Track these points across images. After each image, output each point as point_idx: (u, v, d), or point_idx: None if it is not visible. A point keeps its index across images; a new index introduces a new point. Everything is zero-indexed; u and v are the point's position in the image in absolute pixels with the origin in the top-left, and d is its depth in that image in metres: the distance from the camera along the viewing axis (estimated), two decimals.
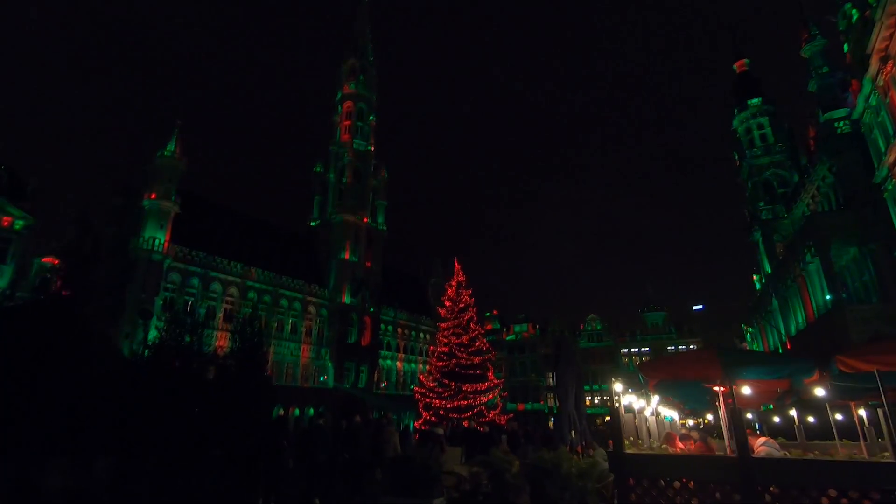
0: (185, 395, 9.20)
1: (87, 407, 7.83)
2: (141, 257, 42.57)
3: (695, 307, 78.57)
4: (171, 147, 46.11)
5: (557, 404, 7.82)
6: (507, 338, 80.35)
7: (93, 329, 11.07)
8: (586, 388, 76.93)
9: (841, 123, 23.87)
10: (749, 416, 10.48)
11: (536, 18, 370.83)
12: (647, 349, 72.02)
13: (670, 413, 10.51)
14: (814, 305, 26.22)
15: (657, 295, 76.53)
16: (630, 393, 8.29)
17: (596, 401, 74.13)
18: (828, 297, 23.73)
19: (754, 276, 51.76)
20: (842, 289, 22.73)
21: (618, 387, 7.21)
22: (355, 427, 9.19)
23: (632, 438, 7.49)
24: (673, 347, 70.64)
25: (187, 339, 10.64)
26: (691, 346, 70.42)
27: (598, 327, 75.88)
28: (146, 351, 10.23)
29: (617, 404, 6.91)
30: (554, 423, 7.95)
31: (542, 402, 75.74)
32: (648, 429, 7.92)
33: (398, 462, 5.85)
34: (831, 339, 22.98)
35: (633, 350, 73.13)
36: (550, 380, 77.24)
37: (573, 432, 7.15)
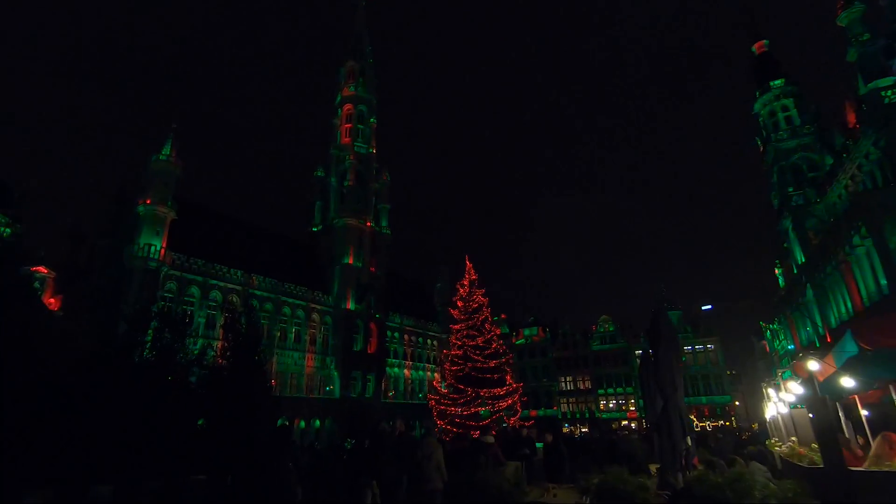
0: (161, 402, 7.16)
1: (24, 415, 5.76)
2: (136, 266, 40.66)
3: (703, 307, 76.33)
4: (166, 151, 44.38)
5: (659, 399, 5.83)
6: (517, 342, 77.95)
7: (48, 313, 9.05)
8: (599, 391, 74.86)
9: (889, 92, 21.94)
10: (865, 412, 8.34)
11: (538, 17, 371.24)
12: None
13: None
14: (863, 292, 24.12)
15: (671, 294, 74.06)
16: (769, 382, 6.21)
17: (611, 405, 71.65)
18: (883, 281, 21.62)
19: (777, 270, 49.61)
20: None
21: (813, 365, 5.13)
22: (380, 437, 7.11)
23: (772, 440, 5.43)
24: (689, 347, 68.24)
25: (167, 335, 8.63)
26: (708, 346, 68.20)
27: (611, 329, 73.55)
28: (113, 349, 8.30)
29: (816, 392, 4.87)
30: (656, 425, 5.96)
31: (554, 408, 73.22)
32: (784, 427, 5.94)
33: (466, 487, 3.82)
34: (890, 329, 20.87)
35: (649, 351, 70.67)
36: (563, 384, 74.75)
37: (689, 439, 5.08)
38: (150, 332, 9.56)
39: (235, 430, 7.79)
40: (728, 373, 72.84)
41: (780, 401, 6.87)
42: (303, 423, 46.88)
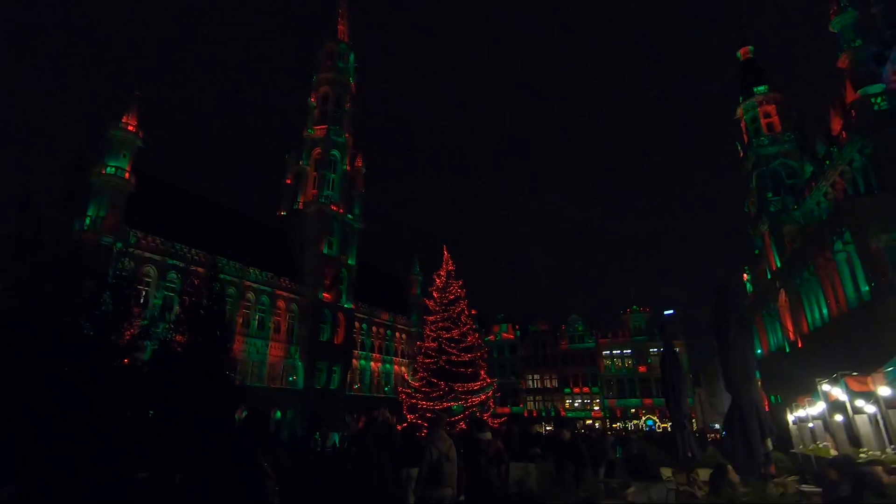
0: (94, 382, 5.69)
1: None
2: (87, 240, 37.61)
3: (665, 312, 77.86)
4: (126, 119, 41.36)
5: (728, 392, 4.83)
6: (486, 339, 77.48)
7: None
8: (566, 390, 75.22)
9: (879, 99, 22.00)
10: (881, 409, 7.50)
11: (521, 14, 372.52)
12: (629, 351, 70.53)
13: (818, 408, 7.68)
14: (840, 299, 24.26)
15: (639, 296, 75.03)
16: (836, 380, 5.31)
17: (576, 404, 72.03)
18: (864, 287, 21.68)
19: (745, 276, 50.61)
20: (881, 278, 20.64)
21: None
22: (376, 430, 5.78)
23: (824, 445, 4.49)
24: (656, 350, 69.29)
25: (106, 299, 7.12)
26: (675, 350, 69.22)
27: (580, 328, 73.92)
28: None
29: None
30: (730, 425, 4.96)
31: (520, 406, 73.12)
32: (853, 432, 5.07)
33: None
34: (867, 334, 20.94)
35: (615, 352, 71.44)
36: (530, 382, 74.72)
37: (769, 441, 4.08)
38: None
39: (191, 418, 6.39)
40: (689, 376, 74.62)
41: (872, 400, 6.02)
42: None
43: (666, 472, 9.06)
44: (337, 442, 25.29)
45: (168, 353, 7.50)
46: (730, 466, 5.40)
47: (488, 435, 7.38)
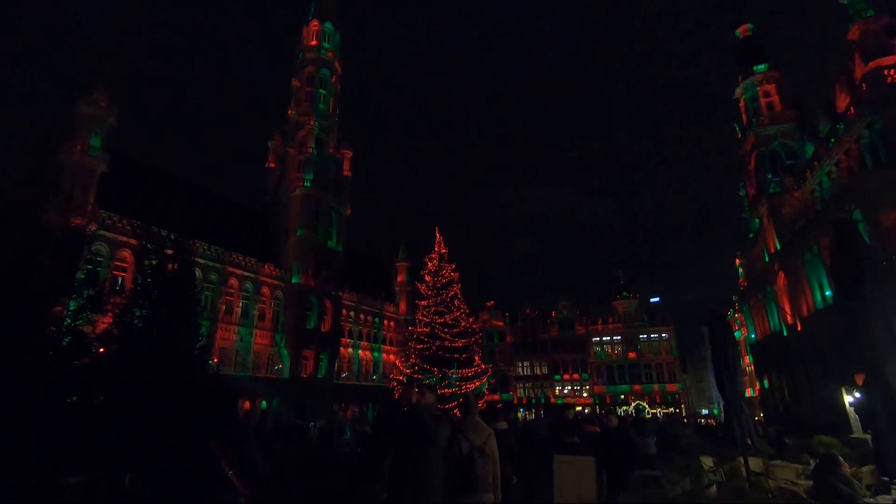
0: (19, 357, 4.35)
1: None
2: (57, 222, 35.51)
3: (652, 299, 77.79)
4: (96, 94, 39.01)
5: (863, 361, 3.68)
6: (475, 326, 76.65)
7: None
8: (556, 377, 74.84)
9: (891, 71, 21.14)
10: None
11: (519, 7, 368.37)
12: (618, 337, 70.27)
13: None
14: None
15: (629, 283, 74.69)
16: None
17: (566, 391, 71.76)
18: None
19: (738, 260, 50.34)
20: (893, 257, 19.92)
21: None
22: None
23: None
24: (645, 336, 69.24)
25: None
26: (663, 335, 69.29)
27: (570, 315, 73.44)
28: None
29: None
30: (872, 405, 3.84)
31: (510, 393, 72.65)
32: None
33: None
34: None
35: (604, 338, 71.15)
36: (520, 369, 74.20)
37: None
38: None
39: (149, 406, 5.09)
40: (677, 361, 74.77)
41: None
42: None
43: (707, 462, 8.06)
44: (349, 434, 23.77)
45: (123, 329, 6.20)
46: (841, 458, 4.43)
47: (504, 424, 6.22)
